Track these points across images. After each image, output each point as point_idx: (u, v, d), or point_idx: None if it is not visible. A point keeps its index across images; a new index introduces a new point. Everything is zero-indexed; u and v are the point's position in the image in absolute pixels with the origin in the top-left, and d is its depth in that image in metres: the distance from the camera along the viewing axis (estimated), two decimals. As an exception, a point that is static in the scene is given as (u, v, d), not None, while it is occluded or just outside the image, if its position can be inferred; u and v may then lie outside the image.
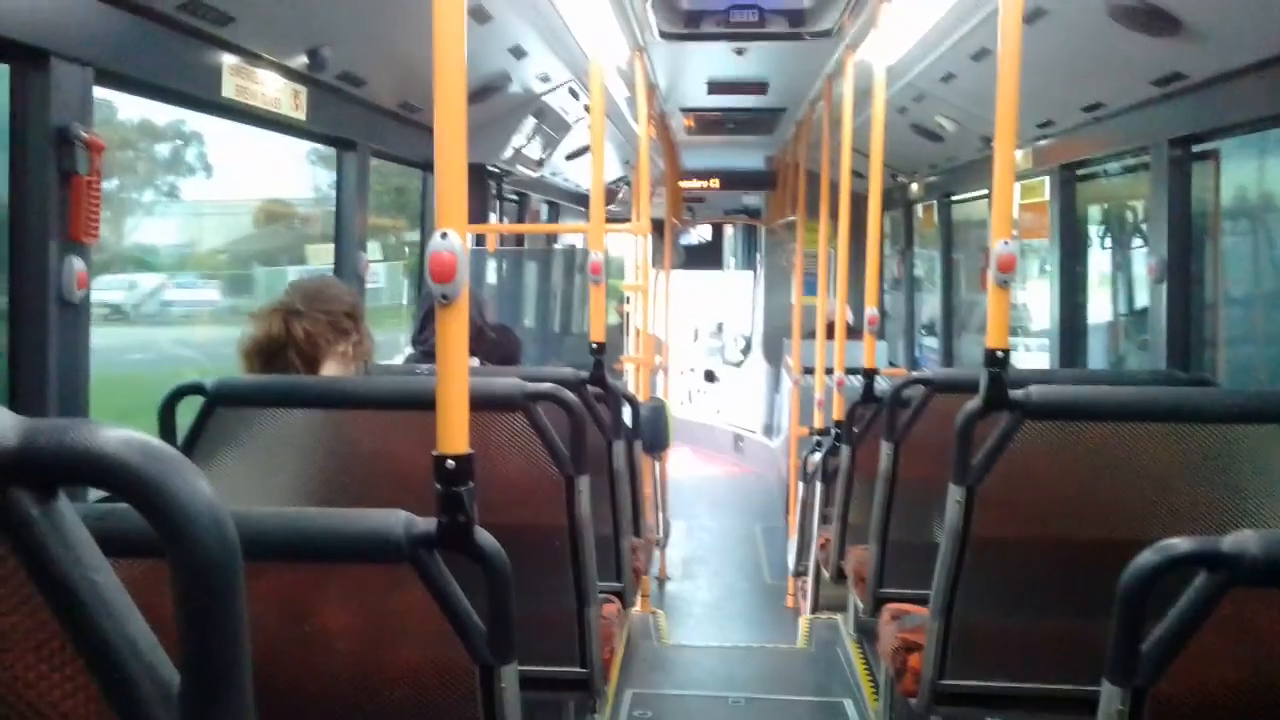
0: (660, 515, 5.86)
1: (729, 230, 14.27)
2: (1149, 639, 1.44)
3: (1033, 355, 6.62)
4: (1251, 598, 1.41)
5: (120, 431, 0.69)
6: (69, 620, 0.69)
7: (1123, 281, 5.44)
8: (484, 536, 1.58)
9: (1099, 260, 5.55)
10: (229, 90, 3.09)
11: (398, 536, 1.49)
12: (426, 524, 1.51)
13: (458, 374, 1.63)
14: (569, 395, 2.45)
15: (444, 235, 1.58)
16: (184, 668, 0.70)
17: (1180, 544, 1.42)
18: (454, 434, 1.62)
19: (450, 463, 1.60)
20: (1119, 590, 1.44)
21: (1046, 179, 5.36)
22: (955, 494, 2.43)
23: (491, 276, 7.37)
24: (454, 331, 1.63)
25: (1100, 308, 5.51)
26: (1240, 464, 2.39)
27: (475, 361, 4.09)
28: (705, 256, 14.26)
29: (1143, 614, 1.44)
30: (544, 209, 8.72)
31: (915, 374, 3.82)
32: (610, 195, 10.54)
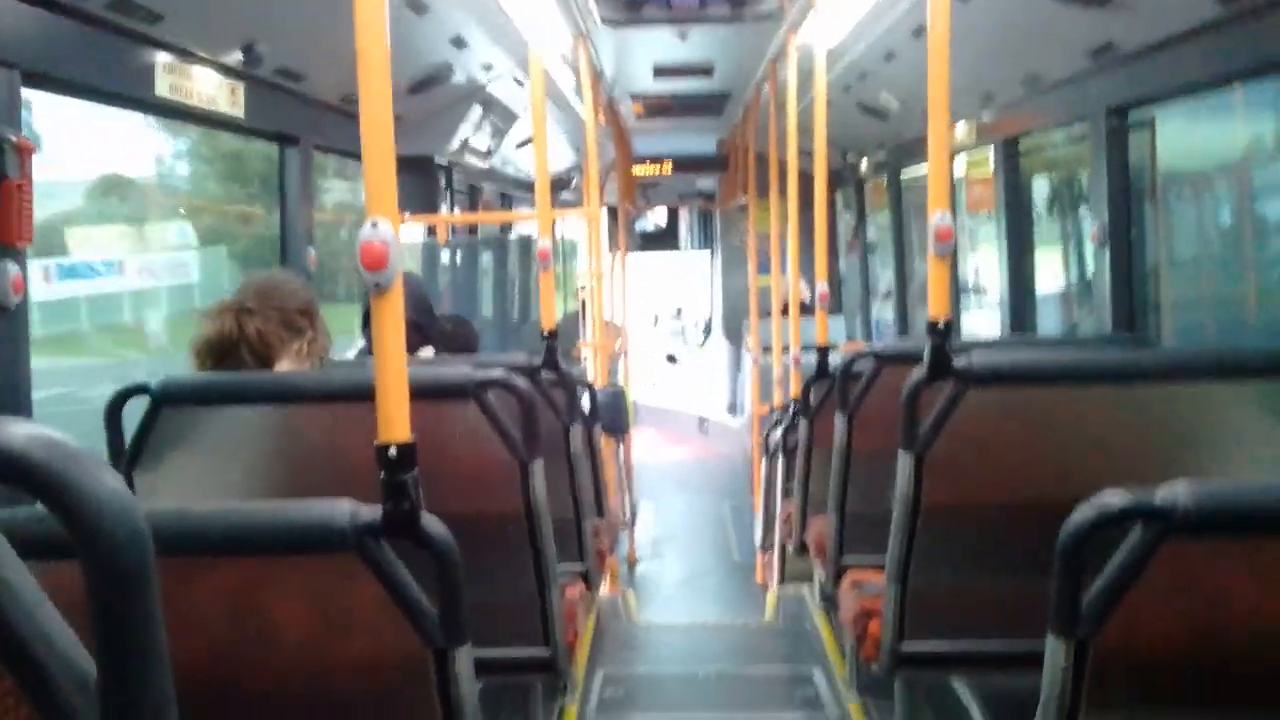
0: (626, 498, 5.89)
1: (684, 213, 14.30)
2: (1089, 592, 1.48)
3: (993, 325, 6.70)
4: (1189, 548, 1.44)
5: (26, 426, 0.69)
6: None
7: (1072, 249, 5.52)
8: (431, 522, 1.58)
9: (1049, 229, 5.62)
10: (163, 89, 3.05)
11: (343, 525, 1.50)
12: (372, 512, 1.52)
13: (395, 361, 1.63)
14: (518, 381, 2.45)
15: (374, 224, 1.57)
16: (99, 658, 0.70)
17: (1114, 497, 1.45)
18: (395, 422, 1.62)
19: (393, 451, 1.61)
20: (1058, 545, 1.48)
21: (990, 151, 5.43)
22: (904, 462, 2.46)
23: (446, 269, 7.34)
24: (389, 319, 1.63)
25: (1052, 276, 5.59)
26: (1181, 421, 2.44)
27: (431, 352, 4.08)
28: (662, 239, 14.29)
29: (1081, 567, 1.47)
30: (497, 200, 8.69)
31: (865, 347, 3.86)
32: (564, 183, 10.53)
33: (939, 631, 2.56)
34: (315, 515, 1.51)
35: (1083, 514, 1.47)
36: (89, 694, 0.70)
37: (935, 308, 2.37)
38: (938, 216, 2.34)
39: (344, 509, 1.50)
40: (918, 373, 2.40)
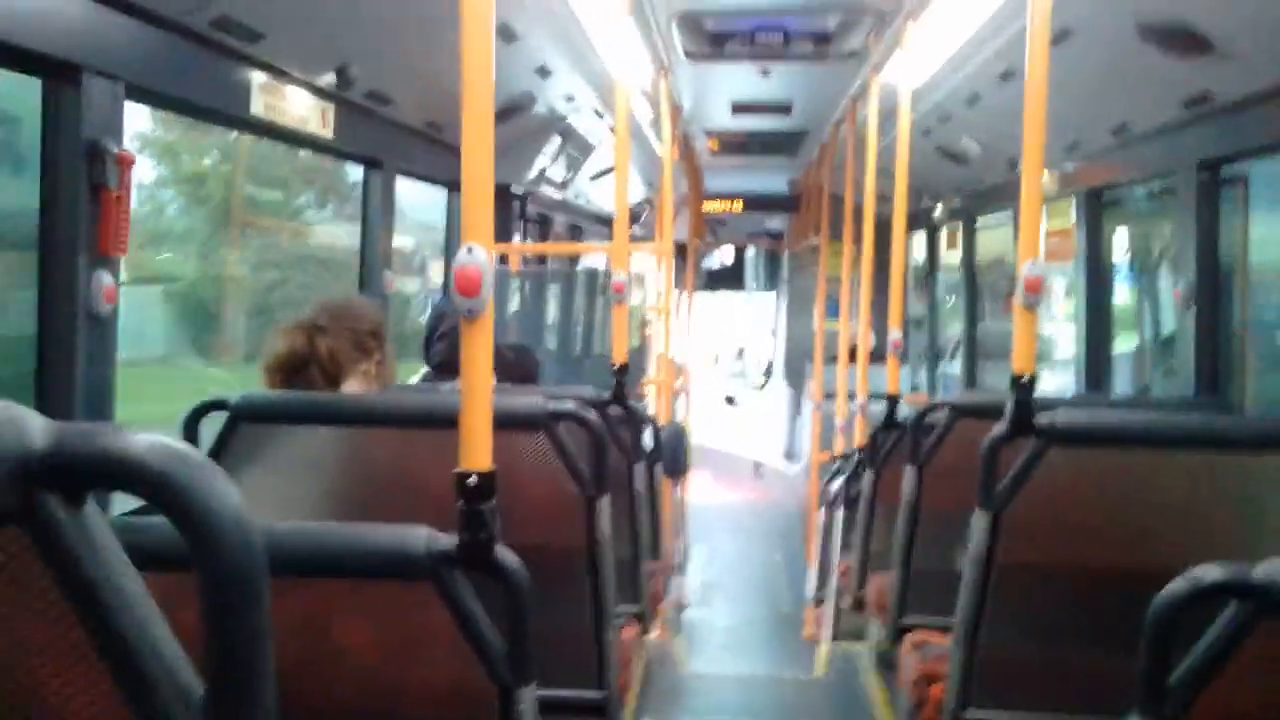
0: (679, 540, 5.83)
1: (751, 252, 14.27)
2: (1177, 671, 1.42)
3: (1055, 380, 6.58)
4: None
5: (150, 436, 0.69)
6: (94, 626, 0.69)
7: (1149, 307, 5.40)
8: (505, 554, 1.57)
9: (1124, 285, 5.51)
10: (258, 108, 3.12)
11: (419, 553, 1.49)
12: (448, 541, 1.51)
13: (481, 390, 1.63)
14: (591, 415, 2.44)
15: (469, 250, 1.58)
16: (208, 676, 0.69)
17: (1210, 572, 1.39)
18: (477, 450, 1.61)
19: (473, 479, 1.60)
20: (1147, 620, 1.42)
21: (1072, 203, 5.34)
22: (980, 520, 2.40)
23: (514, 297, 7.39)
24: (479, 347, 1.63)
25: (1126, 333, 5.47)
26: (1267, 493, 2.35)
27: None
28: (727, 278, 14.26)
29: (1171, 644, 1.41)
30: (567, 230, 8.74)
31: (939, 399, 3.80)
32: (633, 217, 10.57)
33: (1004, 701, 2.48)
34: (392, 541, 1.50)
35: (1175, 588, 1.41)
36: (194, 711, 0.69)
37: (1020, 362, 2.32)
38: (1028, 266, 2.30)
39: (420, 536, 1.49)
40: (999, 428, 2.35)
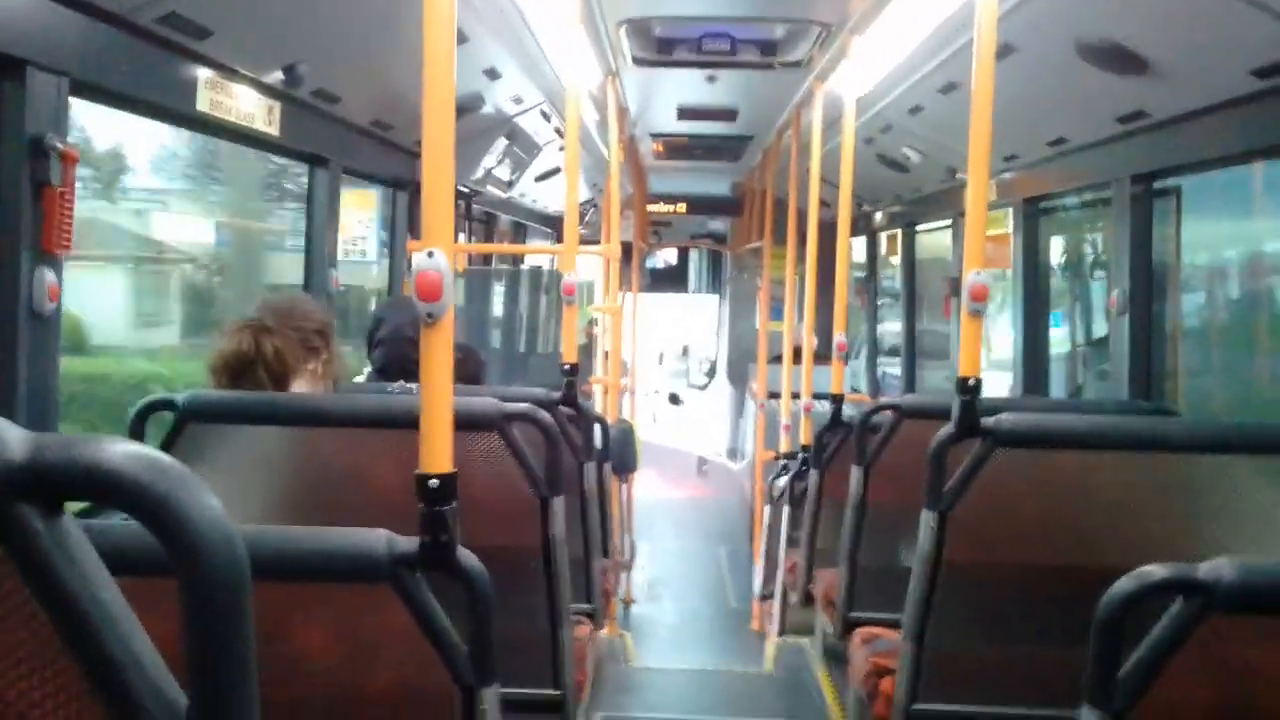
0: (626, 537, 5.85)
1: (694, 254, 14.34)
2: (1126, 665, 1.46)
3: (992, 382, 6.72)
4: (1227, 625, 1.43)
5: (127, 446, 0.68)
6: (73, 638, 0.68)
7: (1082, 312, 5.54)
8: (466, 556, 1.58)
9: (1059, 291, 5.64)
10: (204, 104, 3.07)
11: (380, 556, 1.49)
12: (408, 543, 1.51)
13: (442, 393, 1.63)
14: (545, 416, 2.45)
15: (430, 254, 1.58)
16: (192, 688, 0.69)
17: (1157, 571, 1.44)
18: (438, 453, 1.62)
19: (433, 482, 1.60)
20: (1096, 616, 1.47)
21: (1009, 211, 5.45)
22: (928, 519, 2.45)
23: (460, 297, 7.33)
24: (439, 350, 1.63)
25: (1060, 338, 5.60)
26: (1204, 493, 2.44)
27: None
28: (670, 279, 14.32)
29: (1119, 640, 1.46)
30: (511, 229, 8.72)
31: (884, 399, 3.86)
32: (579, 217, 10.56)
33: (953, 694, 2.54)
34: (352, 544, 1.50)
35: (1124, 585, 1.46)
36: None
37: (966, 366, 2.38)
38: (973, 275, 2.35)
39: (381, 539, 1.49)
40: (946, 430, 2.41)
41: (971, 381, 2.37)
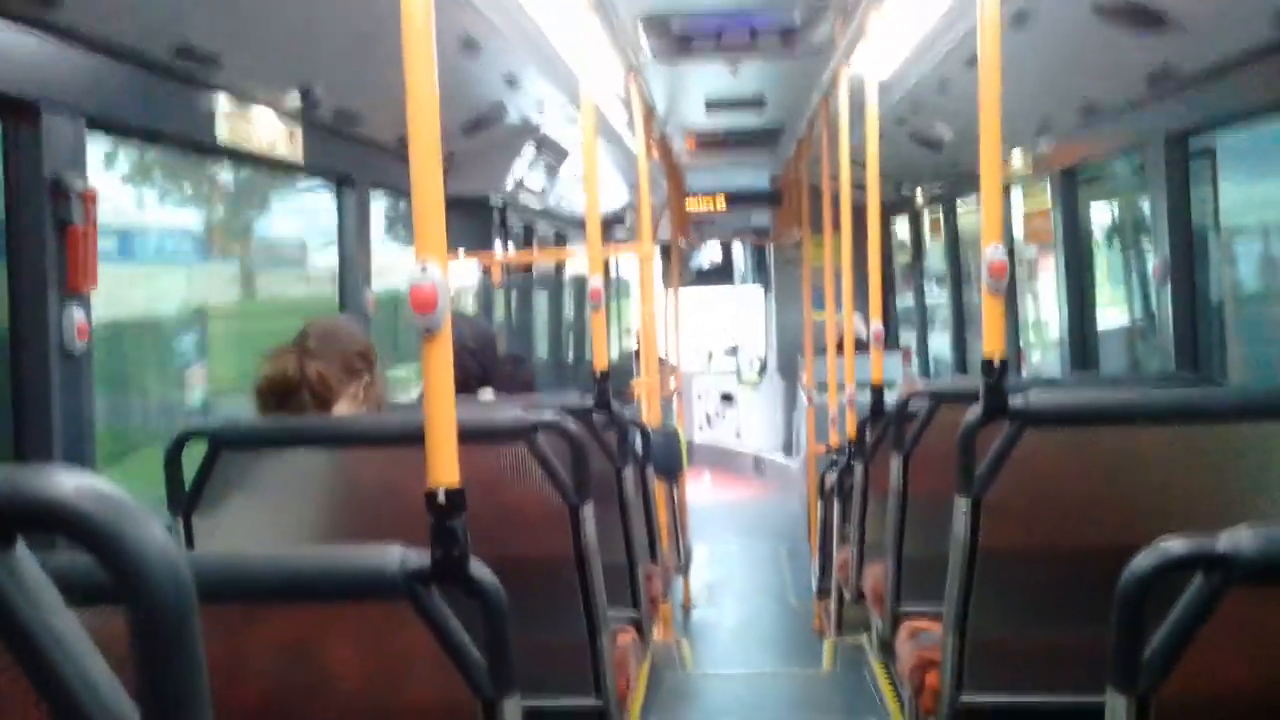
0: (680, 541, 5.84)
1: (737, 247, 14.30)
2: (1150, 645, 1.42)
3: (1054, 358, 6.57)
4: (1254, 596, 1.39)
5: (77, 478, 0.70)
6: (28, 664, 0.69)
7: (1135, 283, 5.41)
8: (479, 569, 1.58)
9: (1111, 263, 5.52)
10: (224, 134, 3.12)
11: (393, 572, 1.49)
12: (421, 558, 1.51)
13: (444, 405, 1.64)
14: (570, 424, 2.44)
15: (423, 268, 1.58)
16: (142, 710, 0.70)
17: (1174, 545, 1.40)
18: (443, 466, 1.62)
19: (441, 496, 1.60)
20: (1115, 596, 1.43)
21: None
22: (961, 506, 2.41)
23: (501, 308, 7.38)
24: (438, 363, 1.63)
25: (1115, 311, 5.48)
26: (1248, 462, 2.37)
27: (491, 393, 4.10)
28: (715, 274, 14.30)
29: (1141, 618, 1.42)
30: (552, 238, 8.74)
31: (919, 386, 3.81)
32: (618, 219, 10.59)
33: (999, 683, 2.49)
34: (365, 561, 1.51)
35: (1141, 562, 1.42)
36: None
37: (990, 345, 2.33)
38: (990, 250, 2.31)
39: (394, 555, 1.50)
40: (972, 413, 2.35)
41: (997, 362, 2.31)
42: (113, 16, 2.48)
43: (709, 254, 14.15)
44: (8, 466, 0.70)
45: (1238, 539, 1.34)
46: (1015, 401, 2.30)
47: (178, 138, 3.02)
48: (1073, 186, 5.13)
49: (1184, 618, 1.38)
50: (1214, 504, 2.33)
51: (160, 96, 2.81)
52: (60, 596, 0.71)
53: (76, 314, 2.43)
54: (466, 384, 3.44)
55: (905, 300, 10.09)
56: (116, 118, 2.64)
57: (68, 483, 0.69)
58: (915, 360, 9.51)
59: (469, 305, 6.35)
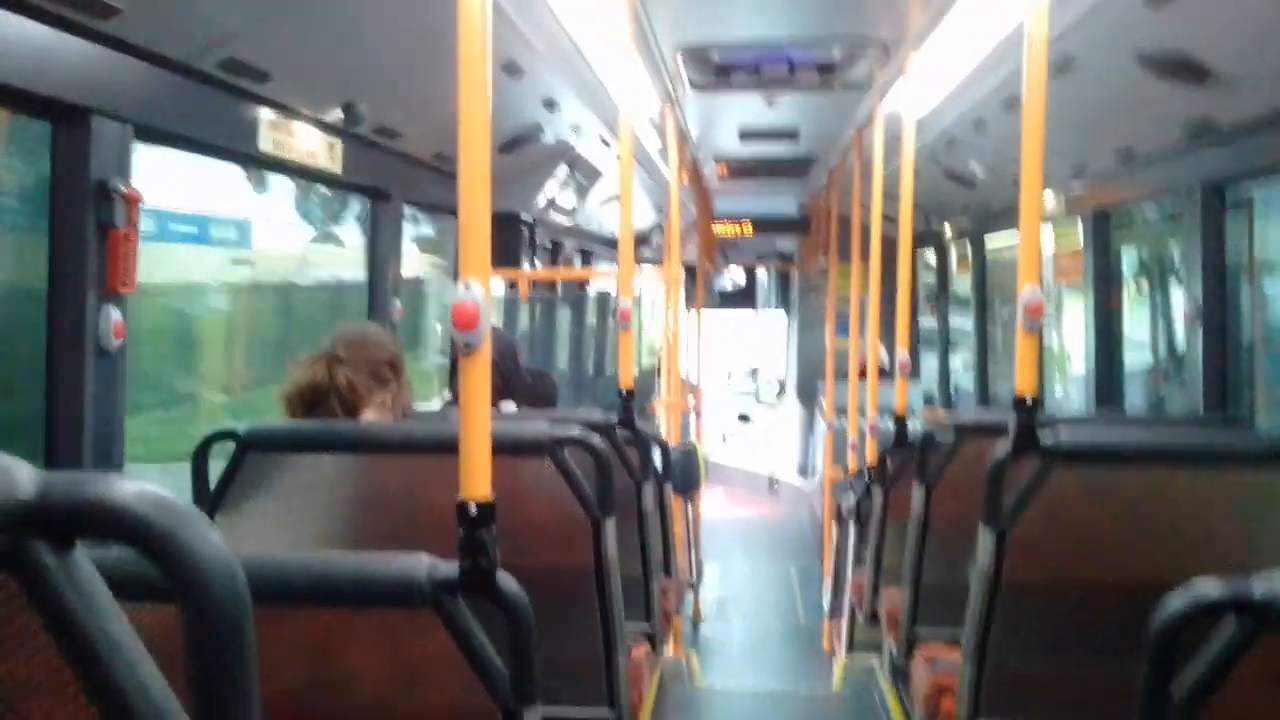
0: (693, 556, 5.84)
1: (762, 272, 14.32)
2: (1180, 687, 1.42)
3: (1077, 394, 6.55)
4: None
5: (135, 485, 0.71)
6: (83, 669, 0.70)
7: (1161, 325, 5.39)
8: (506, 580, 1.59)
9: (1137, 303, 5.50)
10: (266, 145, 3.17)
11: (421, 581, 1.51)
12: (449, 568, 1.53)
13: (480, 420, 1.66)
14: (595, 440, 2.46)
15: (467, 286, 1.61)
16: (196, 716, 0.71)
17: (1208, 587, 1.40)
18: (476, 479, 1.64)
19: (473, 508, 1.62)
20: (1149, 635, 1.43)
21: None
22: (986, 538, 2.41)
23: (525, 322, 7.42)
24: (476, 378, 1.65)
25: (1139, 352, 5.46)
26: (1272, 507, 2.36)
27: (513, 406, 4.12)
28: (739, 298, 14.33)
29: (1171, 659, 1.42)
30: (578, 256, 8.79)
31: (945, 418, 3.81)
32: (644, 240, 10.63)
33: (1014, 712, 2.49)
34: (393, 569, 1.52)
35: (1174, 604, 1.42)
36: None
37: (1022, 383, 2.34)
38: (1028, 291, 2.31)
39: (422, 564, 1.51)
40: (1002, 448, 2.36)
41: (1028, 400, 2.32)
42: (166, 28, 2.53)
43: (733, 276, 14.18)
44: (67, 473, 0.71)
45: (1274, 584, 1.34)
46: (1045, 438, 2.30)
47: (221, 147, 3.07)
48: (1105, 228, 5.13)
49: (1214, 660, 1.38)
50: (1241, 548, 2.32)
51: (206, 106, 2.86)
52: (115, 601, 0.72)
53: (114, 314, 2.47)
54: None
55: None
56: (163, 125, 2.69)
57: (128, 489, 0.71)
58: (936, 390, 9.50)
59: (496, 319, 6.40)
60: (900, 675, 4.02)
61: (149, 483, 0.73)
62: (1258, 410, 4.05)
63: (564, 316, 8.95)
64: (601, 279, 9.44)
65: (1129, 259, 5.50)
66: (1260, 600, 1.35)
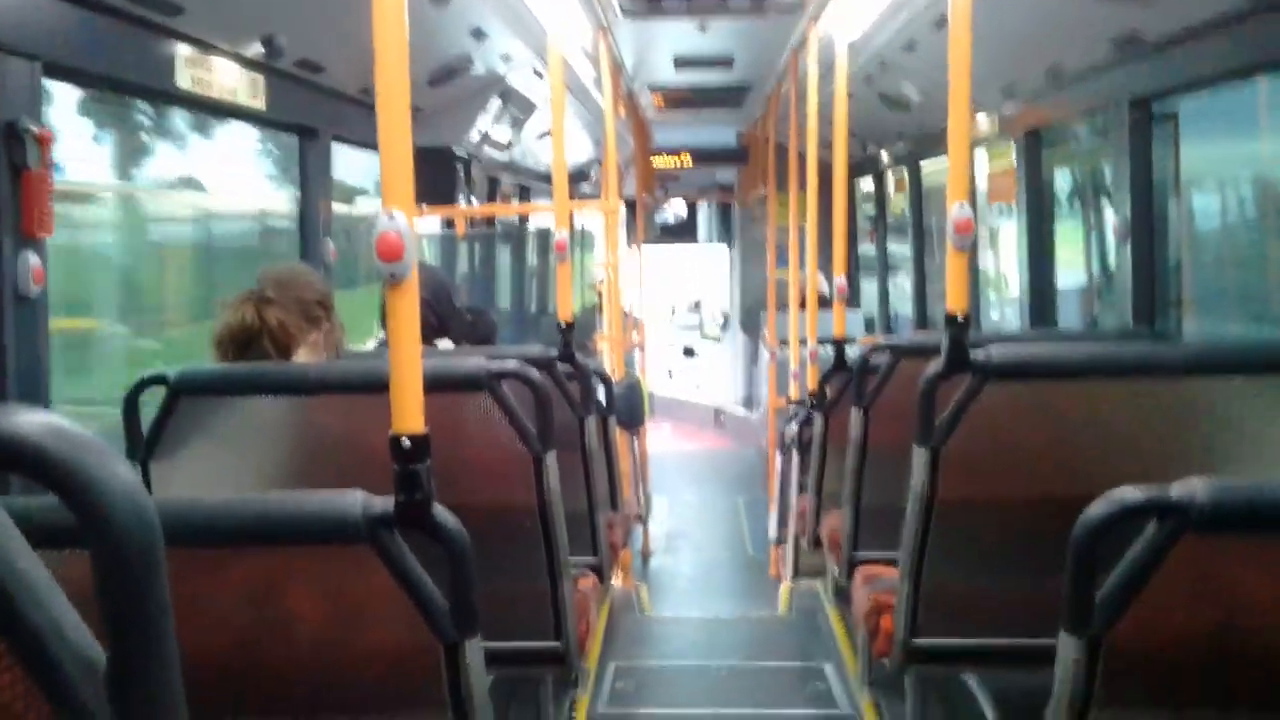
0: (640, 490, 5.90)
1: (703, 205, 14.29)
2: (1103, 588, 1.47)
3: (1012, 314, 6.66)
4: (1204, 545, 1.43)
5: (38, 416, 0.69)
6: None
7: (1093, 242, 5.48)
8: (442, 513, 1.59)
9: (1070, 222, 5.58)
10: (184, 81, 3.07)
11: (355, 516, 1.50)
12: (384, 503, 1.52)
13: (410, 351, 1.64)
14: (533, 373, 2.45)
15: (390, 215, 1.58)
16: (109, 648, 0.70)
17: (1130, 493, 1.44)
18: (409, 412, 1.62)
19: (405, 441, 1.61)
20: (1071, 540, 1.47)
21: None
22: (919, 456, 2.45)
23: (464, 262, 7.34)
24: (405, 310, 1.63)
25: (1073, 270, 5.55)
26: (1203, 417, 2.42)
27: (449, 343, 4.08)
28: (680, 231, 14.31)
29: (1094, 563, 1.46)
30: (516, 193, 8.70)
31: (880, 340, 3.85)
32: (583, 175, 10.54)
33: (952, 627, 2.55)
34: (327, 506, 1.51)
35: (1097, 509, 1.46)
36: (98, 683, 0.70)
37: (953, 301, 2.36)
38: (956, 209, 2.33)
39: (356, 500, 1.51)
40: (934, 366, 2.39)
41: (960, 317, 2.35)
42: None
43: (674, 210, 14.14)
44: None
45: (1191, 489, 1.38)
46: (977, 355, 2.34)
47: (137, 85, 2.96)
48: (1037, 148, 5.18)
49: (1136, 563, 1.43)
50: (1168, 457, 2.38)
51: (119, 42, 2.76)
52: (25, 539, 0.70)
53: (32, 259, 2.39)
54: (423, 335, 3.41)
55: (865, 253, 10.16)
56: (74, 63, 2.59)
57: (29, 420, 0.69)
58: (875, 315, 9.60)
59: (432, 258, 6.32)
60: (843, 596, 4.11)
61: (55, 415, 0.71)
62: (1185, 323, 4.15)
63: (504, 255, 8.86)
64: (540, 214, 9.35)
65: (1062, 179, 5.57)
66: (1178, 502, 1.39)
